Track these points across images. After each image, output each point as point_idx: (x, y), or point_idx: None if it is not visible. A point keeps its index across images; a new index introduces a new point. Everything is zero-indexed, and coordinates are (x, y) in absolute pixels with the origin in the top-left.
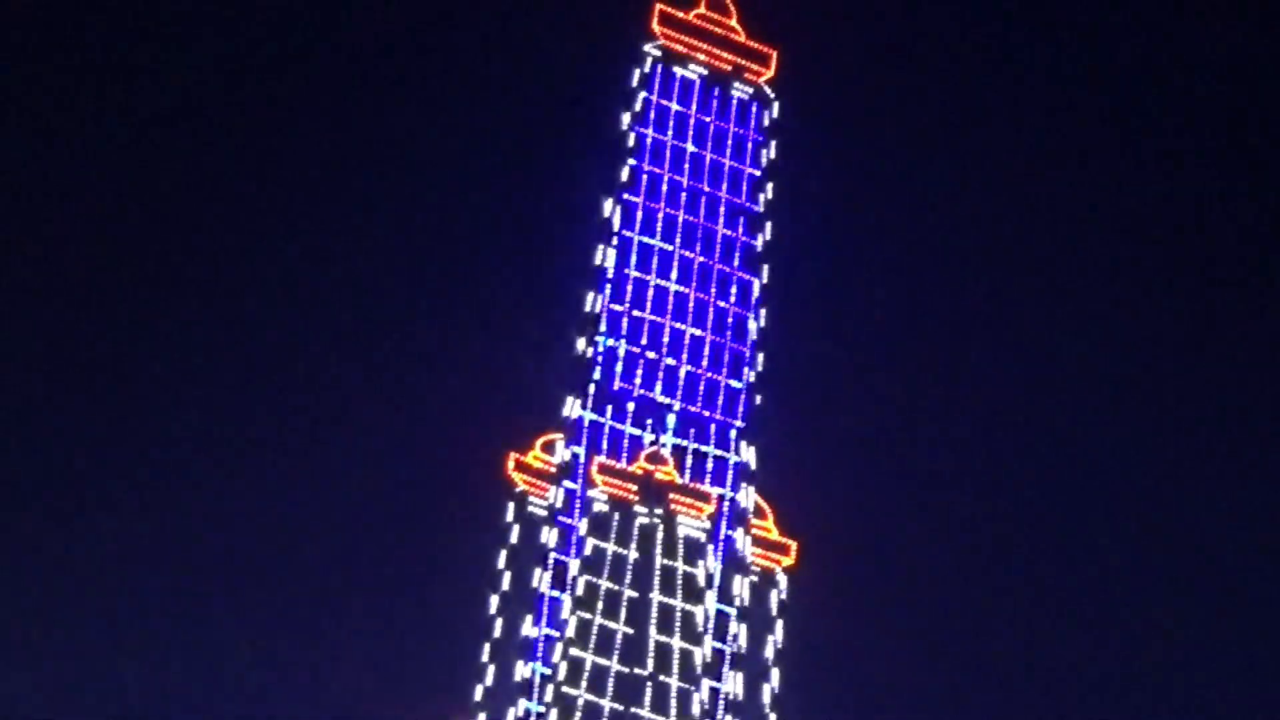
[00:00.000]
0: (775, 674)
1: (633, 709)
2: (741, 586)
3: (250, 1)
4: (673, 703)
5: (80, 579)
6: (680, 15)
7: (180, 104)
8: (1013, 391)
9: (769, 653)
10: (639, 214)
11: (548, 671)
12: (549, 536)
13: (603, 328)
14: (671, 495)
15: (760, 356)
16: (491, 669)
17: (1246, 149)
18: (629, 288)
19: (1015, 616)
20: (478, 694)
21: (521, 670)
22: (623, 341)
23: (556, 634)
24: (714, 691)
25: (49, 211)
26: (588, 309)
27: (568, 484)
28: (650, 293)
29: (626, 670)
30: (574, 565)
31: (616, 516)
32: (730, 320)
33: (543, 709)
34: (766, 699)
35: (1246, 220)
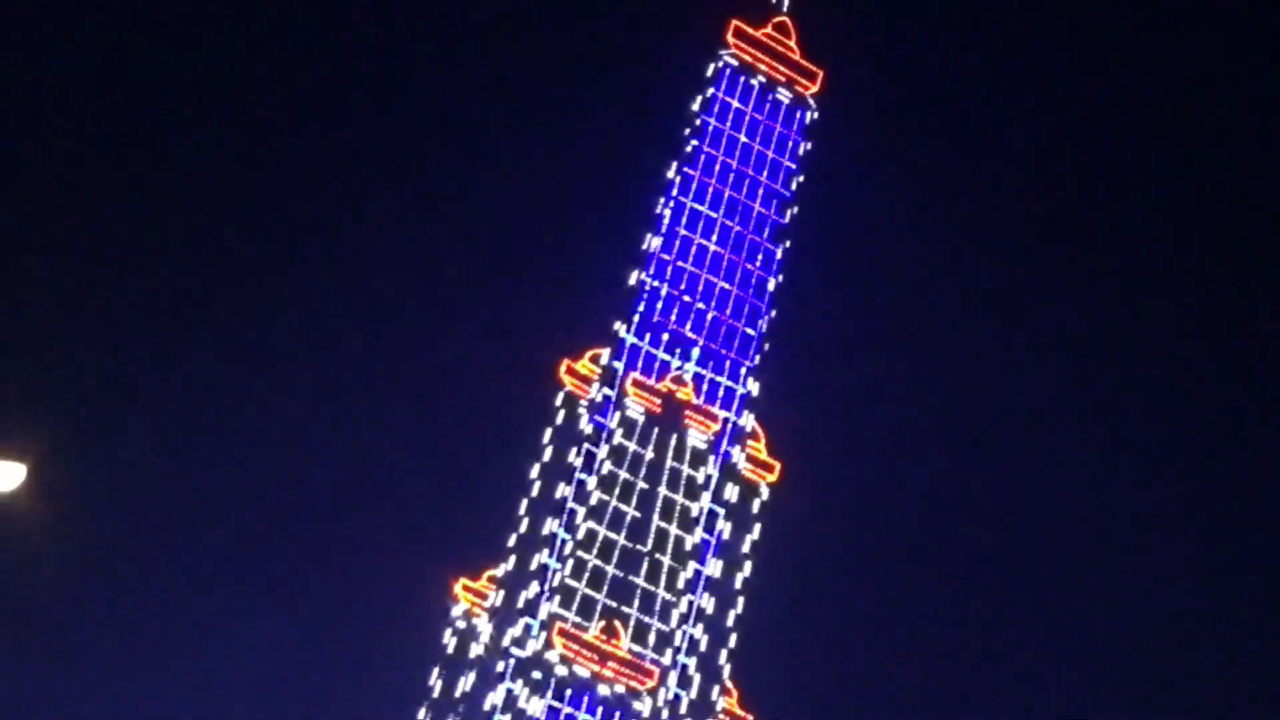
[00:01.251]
0: (748, 564)
1: (630, 577)
2: (731, 492)
3: None
4: (663, 576)
5: None
6: (750, 31)
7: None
8: (978, 366)
9: (746, 547)
10: (694, 184)
11: (567, 536)
12: (585, 429)
13: (652, 271)
14: (687, 411)
15: (773, 312)
16: (525, 521)
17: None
18: (677, 242)
19: (962, 545)
20: (510, 541)
21: (550, 525)
22: (666, 284)
23: (580, 508)
24: (697, 572)
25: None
26: (642, 254)
27: (606, 391)
28: (693, 249)
29: (630, 545)
30: (602, 452)
31: (641, 422)
32: (754, 280)
33: (559, 566)
34: (738, 583)
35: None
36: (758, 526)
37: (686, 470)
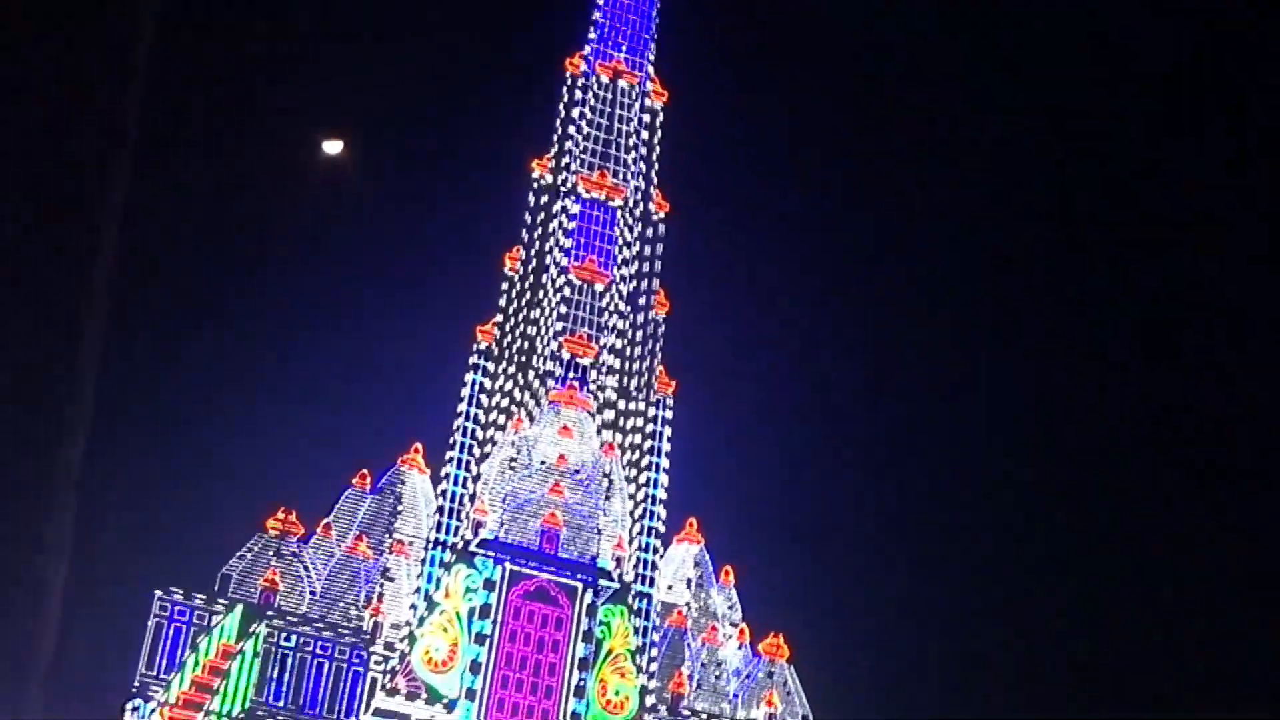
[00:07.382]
0: (656, 156)
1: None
2: (645, 110)
3: None
4: (613, 158)
5: None
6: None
7: None
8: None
9: (656, 148)
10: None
11: (575, 132)
12: (579, 81)
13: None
14: (622, 74)
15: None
16: (559, 126)
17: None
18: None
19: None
20: (554, 135)
21: (566, 129)
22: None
23: (579, 122)
24: (632, 150)
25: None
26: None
27: (586, 69)
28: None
29: (598, 134)
30: (590, 95)
31: (603, 79)
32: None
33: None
34: (654, 166)
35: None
36: (659, 135)
37: (624, 100)
